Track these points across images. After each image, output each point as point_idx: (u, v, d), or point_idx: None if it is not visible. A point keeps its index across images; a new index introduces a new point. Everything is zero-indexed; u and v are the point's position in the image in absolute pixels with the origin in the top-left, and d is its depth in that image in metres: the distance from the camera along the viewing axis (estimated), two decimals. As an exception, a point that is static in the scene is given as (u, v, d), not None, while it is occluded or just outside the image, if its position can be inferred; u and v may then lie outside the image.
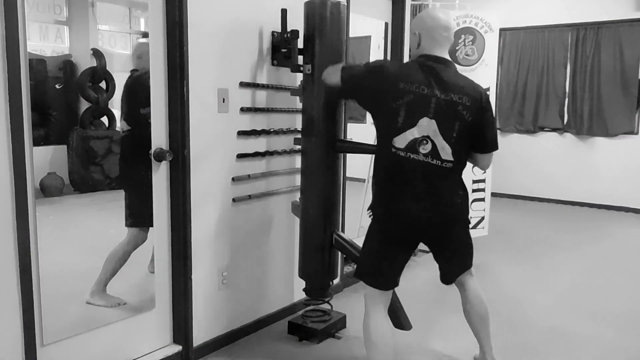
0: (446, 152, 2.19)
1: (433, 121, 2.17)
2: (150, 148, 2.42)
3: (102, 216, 2.53)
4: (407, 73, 2.23)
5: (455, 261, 2.47)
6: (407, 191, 2.21)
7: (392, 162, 2.21)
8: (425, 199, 2.21)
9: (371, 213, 2.36)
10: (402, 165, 2.19)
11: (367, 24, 4.21)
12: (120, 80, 2.47)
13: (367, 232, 2.41)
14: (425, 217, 2.23)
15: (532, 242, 5.25)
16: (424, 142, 2.17)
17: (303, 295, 3.11)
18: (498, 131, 6.64)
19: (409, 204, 2.21)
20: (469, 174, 4.30)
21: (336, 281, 3.47)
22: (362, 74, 2.35)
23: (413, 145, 2.17)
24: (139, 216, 2.55)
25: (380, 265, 2.33)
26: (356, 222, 4.13)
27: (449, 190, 2.27)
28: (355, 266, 2.53)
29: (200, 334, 2.76)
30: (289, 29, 2.85)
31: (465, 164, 2.33)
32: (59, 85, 2.35)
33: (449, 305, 3.50)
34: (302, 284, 3.04)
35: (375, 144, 2.32)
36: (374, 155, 2.41)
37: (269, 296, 3.18)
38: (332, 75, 2.46)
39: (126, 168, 2.53)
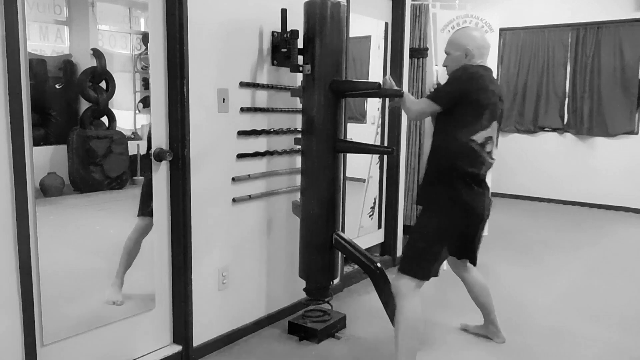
0: (493, 151, 2.55)
1: (496, 124, 2.53)
2: None
3: (102, 216, 2.52)
4: (491, 78, 2.55)
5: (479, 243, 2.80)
6: (478, 186, 2.49)
7: (472, 158, 2.46)
8: (485, 194, 2.55)
9: (444, 207, 2.48)
10: (477, 160, 2.47)
11: (367, 24, 4.20)
12: (120, 81, 2.47)
13: (426, 227, 2.52)
14: (483, 210, 2.55)
15: (532, 242, 5.25)
16: (489, 142, 2.50)
17: (303, 295, 3.11)
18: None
19: (480, 198, 2.51)
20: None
21: (336, 281, 3.48)
22: (453, 86, 2.51)
23: (484, 144, 2.47)
24: (143, 203, 2.57)
25: (438, 259, 2.56)
26: (356, 222, 4.13)
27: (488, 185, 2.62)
28: (402, 261, 2.60)
29: (200, 334, 2.76)
30: (289, 29, 2.85)
31: None
32: (59, 85, 2.35)
33: (448, 305, 3.51)
34: (302, 284, 3.04)
35: (447, 136, 2.49)
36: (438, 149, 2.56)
37: (269, 296, 3.18)
38: (416, 105, 2.65)
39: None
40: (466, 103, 2.45)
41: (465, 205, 2.46)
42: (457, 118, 2.47)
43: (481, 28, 4.48)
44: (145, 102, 2.53)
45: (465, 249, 2.73)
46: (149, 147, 2.54)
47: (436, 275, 2.59)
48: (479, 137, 2.45)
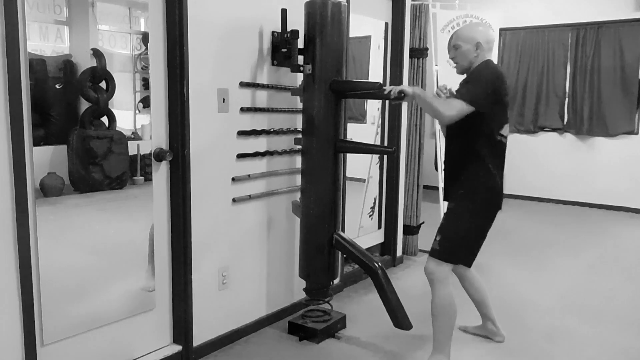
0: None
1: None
2: None
3: (102, 216, 2.52)
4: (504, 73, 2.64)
5: None
6: (502, 175, 2.61)
7: (500, 150, 2.59)
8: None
9: (482, 202, 2.59)
10: (503, 152, 2.61)
11: (367, 24, 4.20)
12: (120, 80, 2.47)
13: (467, 218, 2.59)
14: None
15: (532, 242, 5.25)
16: (507, 129, 2.61)
17: (303, 295, 3.11)
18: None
19: (502, 190, 2.63)
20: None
21: (336, 281, 3.47)
22: (487, 87, 2.50)
23: (504, 134, 2.59)
24: None
25: (477, 247, 2.69)
26: (356, 222, 4.13)
27: None
28: (441, 249, 2.61)
29: (200, 334, 2.76)
30: (289, 29, 2.85)
31: None
32: (59, 85, 2.34)
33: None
34: (302, 284, 3.04)
35: (478, 135, 2.53)
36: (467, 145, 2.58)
37: (269, 296, 3.18)
38: (448, 107, 2.48)
39: None
40: (497, 100, 2.51)
41: (498, 199, 2.60)
42: (487, 116, 2.50)
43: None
44: (145, 102, 2.53)
45: None
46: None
47: (469, 266, 2.81)
48: (505, 130, 2.58)
